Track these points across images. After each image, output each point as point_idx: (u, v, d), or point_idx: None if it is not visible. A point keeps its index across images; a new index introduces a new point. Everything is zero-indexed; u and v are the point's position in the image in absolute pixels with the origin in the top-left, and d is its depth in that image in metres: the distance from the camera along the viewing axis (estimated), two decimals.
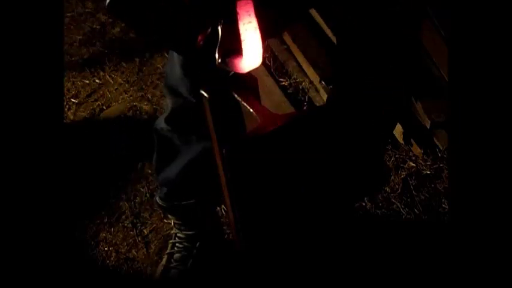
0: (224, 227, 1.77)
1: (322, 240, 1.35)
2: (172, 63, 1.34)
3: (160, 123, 1.46)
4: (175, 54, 1.32)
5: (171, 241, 1.71)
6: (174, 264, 1.67)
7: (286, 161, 1.08)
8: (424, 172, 1.90)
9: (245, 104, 1.06)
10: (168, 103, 1.42)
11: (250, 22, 1.00)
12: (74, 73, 2.50)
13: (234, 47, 1.03)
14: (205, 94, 1.05)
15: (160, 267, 1.70)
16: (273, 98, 2.10)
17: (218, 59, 1.03)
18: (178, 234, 1.68)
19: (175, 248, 1.68)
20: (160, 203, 1.63)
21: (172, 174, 1.52)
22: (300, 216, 1.18)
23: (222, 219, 1.80)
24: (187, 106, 1.35)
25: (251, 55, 1.03)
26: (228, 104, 1.07)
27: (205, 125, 1.09)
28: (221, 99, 1.06)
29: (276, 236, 1.18)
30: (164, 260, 1.70)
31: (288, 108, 2.06)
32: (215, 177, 1.37)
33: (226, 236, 1.75)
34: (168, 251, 1.71)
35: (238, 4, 1.00)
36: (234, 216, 1.10)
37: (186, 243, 1.67)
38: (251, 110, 1.05)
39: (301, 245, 1.25)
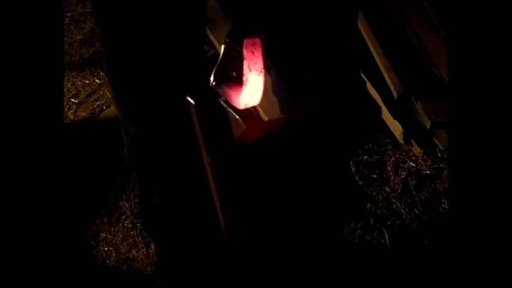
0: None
1: (316, 242, 1.35)
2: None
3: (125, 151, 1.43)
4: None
5: None
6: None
7: (270, 167, 1.09)
8: (424, 172, 1.90)
9: (231, 110, 1.06)
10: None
11: (255, 64, 1.00)
12: (74, 73, 2.50)
13: (235, 78, 1.03)
14: (192, 101, 1.06)
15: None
16: (270, 98, 2.10)
17: (213, 80, 1.04)
18: None
19: None
20: None
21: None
22: (288, 218, 1.19)
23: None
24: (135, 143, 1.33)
25: (250, 96, 1.03)
26: (214, 111, 1.08)
27: (193, 132, 1.09)
28: (208, 106, 1.07)
29: (263, 236, 1.19)
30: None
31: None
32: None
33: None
34: None
35: (245, 42, 0.99)
36: (224, 218, 1.11)
37: None
38: (237, 117, 1.06)
39: (293, 245, 1.26)
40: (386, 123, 2.01)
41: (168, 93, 1.32)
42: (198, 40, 1.34)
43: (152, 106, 1.30)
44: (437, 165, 1.90)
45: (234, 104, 1.04)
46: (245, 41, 1.00)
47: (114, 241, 1.82)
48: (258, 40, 1.00)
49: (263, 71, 1.03)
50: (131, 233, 1.83)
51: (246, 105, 1.04)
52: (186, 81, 1.33)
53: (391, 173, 1.90)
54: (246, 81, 1.01)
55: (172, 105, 1.34)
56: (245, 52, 1.00)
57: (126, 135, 1.36)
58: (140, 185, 1.50)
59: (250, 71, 1.01)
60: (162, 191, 1.45)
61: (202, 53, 1.11)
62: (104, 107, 2.31)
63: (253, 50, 1.00)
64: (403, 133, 1.95)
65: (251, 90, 1.03)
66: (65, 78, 2.43)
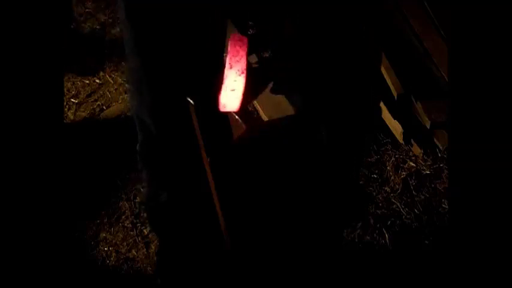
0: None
1: (316, 242, 1.35)
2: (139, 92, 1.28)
3: (138, 148, 1.40)
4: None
5: None
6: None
7: (270, 166, 1.09)
8: (424, 172, 1.90)
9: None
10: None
11: (238, 62, 0.92)
12: (74, 73, 2.49)
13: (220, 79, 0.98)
14: (191, 101, 1.05)
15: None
16: (273, 98, 2.10)
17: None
18: None
19: None
20: None
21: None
22: (287, 218, 1.19)
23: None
24: (150, 140, 1.30)
25: (229, 98, 0.96)
26: (214, 112, 1.06)
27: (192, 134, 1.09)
28: (207, 107, 1.06)
29: (263, 235, 1.19)
30: None
31: (287, 107, 2.06)
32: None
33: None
34: None
35: (232, 36, 0.93)
36: (223, 218, 1.11)
37: None
38: (237, 117, 1.06)
39: (293, 245, 1.26)
40: (386, 123, 2.01)
41: (186, 94, 1.30)
42: (218, 49, 1.33)
43: (174, 103, 1.28)
44: (437, 165, 1.91)
45: (217, 106, 0.98)
46: (232, 36, 0.94)
47: (114, 241, 1.82)
48: (245, 38, 0.94)
49: (245, 72, 0.94)
50: (131, 233, 1.83)
51: (224, 106, 0.96)
52: (203, 85, 1.32)
53: (391, 173, 1.90)
54: (225, 78, 0.94)
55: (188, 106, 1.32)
56: (230, 47, 0.94)
57: (142, 132, 1.35)
58: (149, 182, 1.50)
59: (231, 67, 0.94)
60: (170, 190, 1.46)
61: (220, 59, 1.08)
62: (104, 107, 2.31)
63: (238, 47, 0.93)
64: (403, 133, 1.95)
65: (230, 91, 0.95)
66: (65, 78, 2.43)
